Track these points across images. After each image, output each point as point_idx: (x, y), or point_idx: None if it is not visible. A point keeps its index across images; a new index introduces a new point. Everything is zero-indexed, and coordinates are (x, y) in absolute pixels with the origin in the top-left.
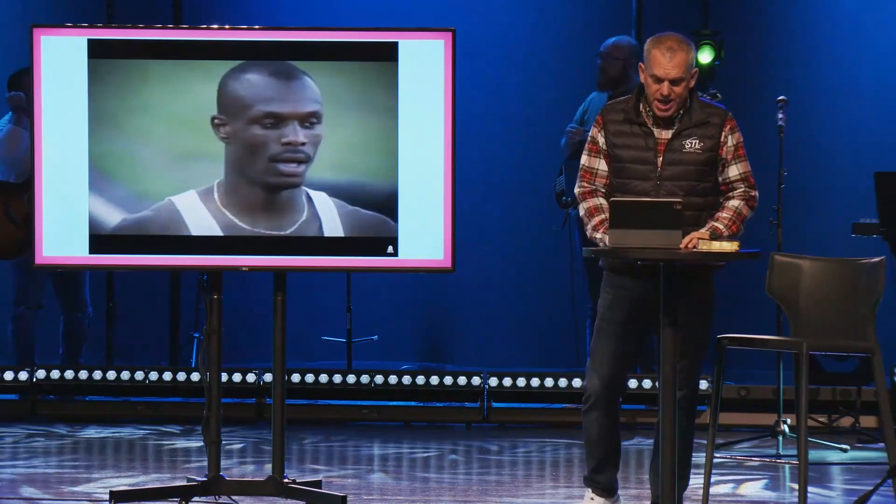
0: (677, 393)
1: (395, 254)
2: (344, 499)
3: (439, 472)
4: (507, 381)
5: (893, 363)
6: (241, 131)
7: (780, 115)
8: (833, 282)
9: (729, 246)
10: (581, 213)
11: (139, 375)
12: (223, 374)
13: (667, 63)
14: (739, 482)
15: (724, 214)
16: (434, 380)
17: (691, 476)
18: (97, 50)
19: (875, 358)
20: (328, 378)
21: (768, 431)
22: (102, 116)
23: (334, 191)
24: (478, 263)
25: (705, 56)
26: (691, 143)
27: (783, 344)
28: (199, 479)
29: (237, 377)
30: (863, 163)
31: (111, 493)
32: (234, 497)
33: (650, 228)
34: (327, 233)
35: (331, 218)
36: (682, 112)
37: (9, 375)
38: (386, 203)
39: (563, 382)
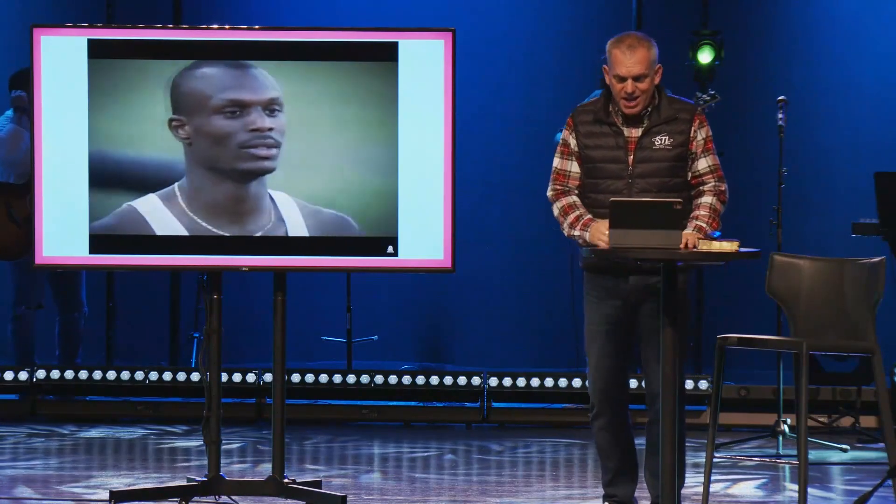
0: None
1: (395, 254)
2: (344, 499)
3: (439, 472)
4: (507, 381)
5: (893, 363)
6: (204, 125)
7: (780, 115)
8: (833, 282)
9: (729, 246)
10: (555, 213)
11: (139, 375)
12: (223, 374)
13: (627, 61)
14: (740, 482)
15: (703, 213)
16: (434, 380)
17: (691, 476)
18: (97, 50)
19: (875, 358)
20: (328, 378)
21: (768, 431)
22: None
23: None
24: (478, 263)
25: (705, 56)
26: (661, 140)
27: (783, 344)
28: (199, 479)
29: (237, 377)
30: (863, 163)
31: (111, 493)
32: (234, 497)
33: (650, 228)
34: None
35: (296, 220)
36: (650, 109)
37: (9, 375)
38: (386, 203)
39: (563, 382)
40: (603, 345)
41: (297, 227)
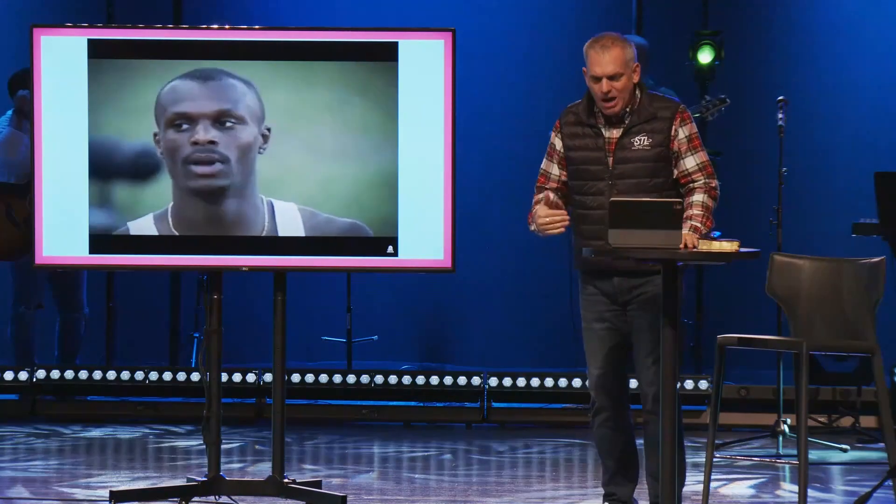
0: (650, 389)
1: (395, 254)
2: (344, 499)
3: (439, 472)
4: (507, 381)
5: (893, 363)
6: (164, 139)
7: (780, 115)
8: (833, 282)
9: (729, 246)
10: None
11: (139, 375)
12: (223, 374)
13: (601, 60)
14: (740, 482)
15: (696, 212)
16: (434, 380)
17: (691, 476)
18: (97, 50)
19: (875, 358)
20: (328, 378)
21: (768, 431)
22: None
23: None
24: (478, 263)
25: (705, 56)
26: (640, 140)
27: (783, 344)
28: (199, 479)
29: (237, 377)
30: (863, 163)
31: (111, 493)
32: (234, 497)
33: (650, 228)
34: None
35: (294, 229)
36: (629, 109)
37: (9, 375)
38: (386, 203)
39: (563, 382)
40: (597, 343)
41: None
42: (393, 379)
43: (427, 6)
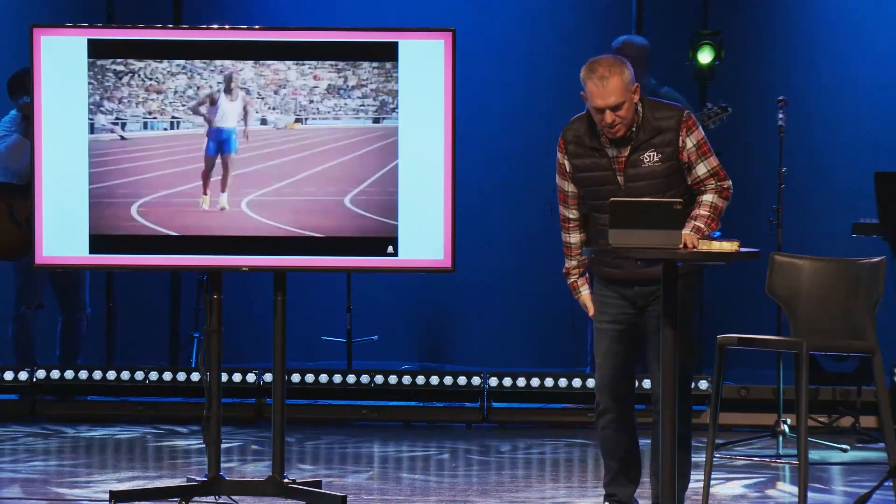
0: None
1: (395, 254)
2: (344, 499)
3: (439, 472)
4: (507, 381)
5: (893, 363)
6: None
7: (780, 115)
8: (833, 282)
9: (729, 246)
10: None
11: (139, 375)
12: (223, 374)
13: (602, 92)
14: (740, 482)
15: (702, 212)
16: (434, 380)
17: (691, 476)
18: (97, 50)
19: (875, 358)
20: (328, 378)
21: (768, 431)
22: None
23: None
24: (478, 263)
25: (705, 56)
26: (649, 157)
27: (783, 344)
28: (199, 479)
29: (237, 377)
30: (863, 163)
31: (111, 493)
32: (234, 497)
33: (650, 228)
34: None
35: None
36: (634, 127)
37: (9, 375)
38: (386, 203)
39: (563, 382)
40: (609, 344)
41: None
42: (393, 379)
43: (427, 6)
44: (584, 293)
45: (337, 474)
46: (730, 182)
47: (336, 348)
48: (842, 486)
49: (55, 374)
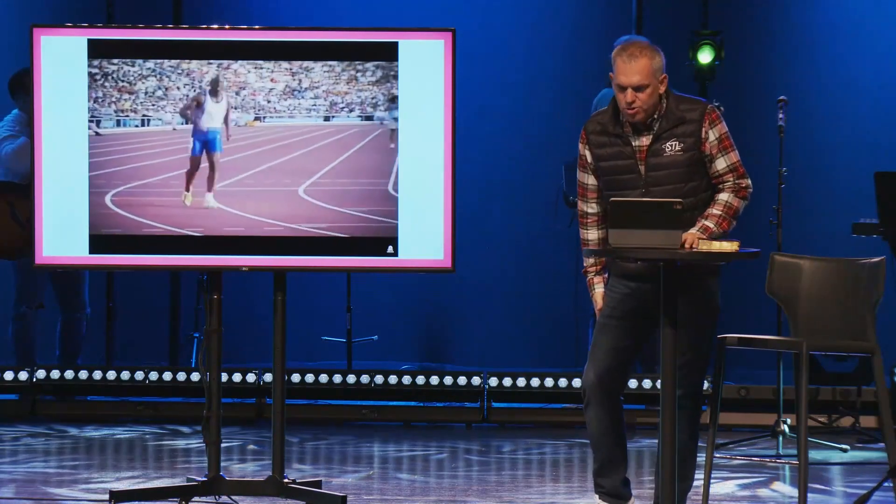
0: (677, 392)
1: (395, 254)
2: (344, 499)
3: (439, 472)
4: (507, 381)
5: (893, 363)
6: None
7: (780, 115)
8: (833, 282)
9: (729, 246)
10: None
11: (139, 375)
12: (223, 374)
13: (628, 70)
14: (739, 482)
15: (715, 211)
16: (434, 380)
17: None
18: (97, 50)
19: (875, 358)
20: (328, 378)
21: (768, 431)
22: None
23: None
24: (478, 263)
25: (705, 56)
26: (671, 146)
27: (783, 344)
28: (199, 479)
29: (237, 377)
30: (863, 163)
31: (111, 493)
32: (234, 497)
33: (650, 228)
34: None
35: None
36: (657, 116)
37: (9, 375)
38: (386, 203)
39: (563, 382)
40: (610, 337)
41: None
42: (393, 379)
43: (427, 6)
44: (598, 290)
45: (337, 474)
46: (749, 181)
47: (336, 348)
48: (842, 486)
49: (55, 374)
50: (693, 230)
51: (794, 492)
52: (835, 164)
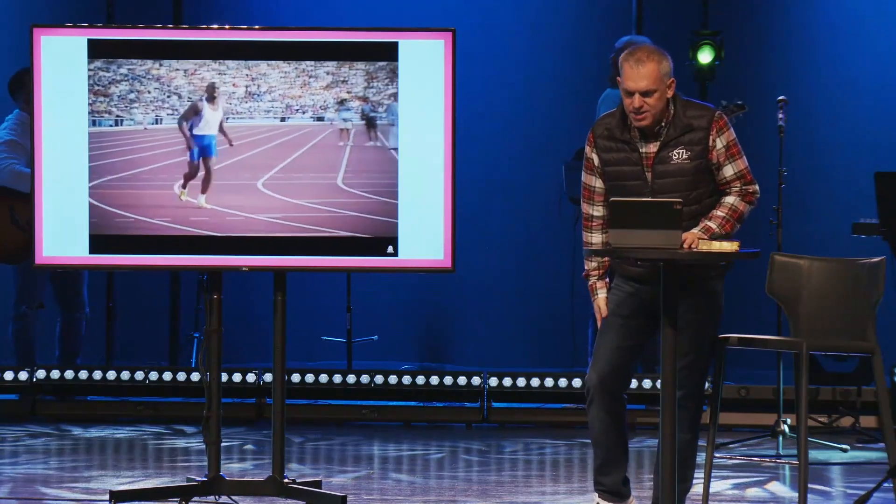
0: (677, 392)
1: (395, 254)
2: (344, 499)
3: (439, 472)
4: (507, 381)
5: (893, 363)
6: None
7: (780, 115)
8: (833, 282)
9: (729, 246)
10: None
11: (139, 375)
12: (223, 374)
13: (636, 75)
14: (739, 482)
15: (719, 213)
16: (434, 380)
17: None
18: (97, 50)
19: (875, 358)
20: (328, 378)
21: (768, 431)
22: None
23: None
24: (478, 263)
25: (705, 56)
26: (678, 154)
27: (783, 344)
28: (199, 479)
29: (237, 377)
30: (863, 163)
31: (111, 493)
32: (234, 497)
33: (650, 228)
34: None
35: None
36: (664, 123)
37: (9, 375)
38: (386, 203)
39: (563, 382)
40: (613, 337)
41: None
42: (393, 379)
43: (427, 6)
44: (601, 296)
45: (337, 474)
46: (757, 187)
47: (336, 348)
48: (842, 486)
49: (55, 374)
50: (695, 230)
51: (794, 492)
52: (835, 164)
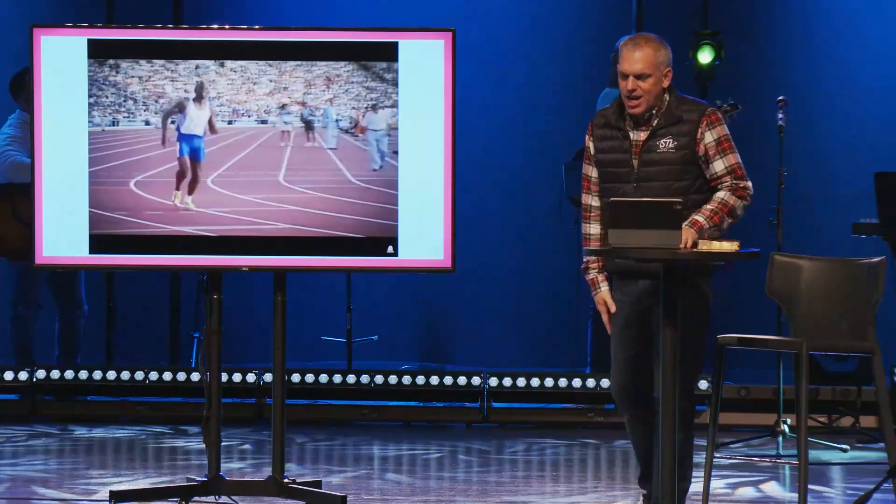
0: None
1: (395, 254)
2: (344, 499)
3: (439, 472)
4: (507, 381)
5: (893, 363)
6: None
7: (780, 115)
8: (833, 282)
9: (729, 246)
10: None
11: (139, 375)
12: (223, 374)
13: (631, 57)
14: (739, 482)
15: (708, 206)
16: (434, 380)
17: (692, 477)
18: (97, 50)
19: (875, 358)
20: (328, 378)
21: (768, 431)
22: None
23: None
24: (478, 263)
25: (705, 56)
26: (665, 143)
27: (783, 344)
28: (199, 479)
29: (237, 377)
30: (863, 163)
31: (111, 493)
32: (234, 497)
33: (650, 228)
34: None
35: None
36: (656, 112)
37: (9, 375)
38: (386, 203)
39: (563, 382)
40: (619, 344)
41: None
42: (393, 379)
43: (427, 6)
44: (604, 290)
45: (337, 474)
46: (749, 183)
47: (336, 348)
48: (842, 486)
49: (55, 373)
50: (684, 224)
51: (794, 492)
52: (835, 164)
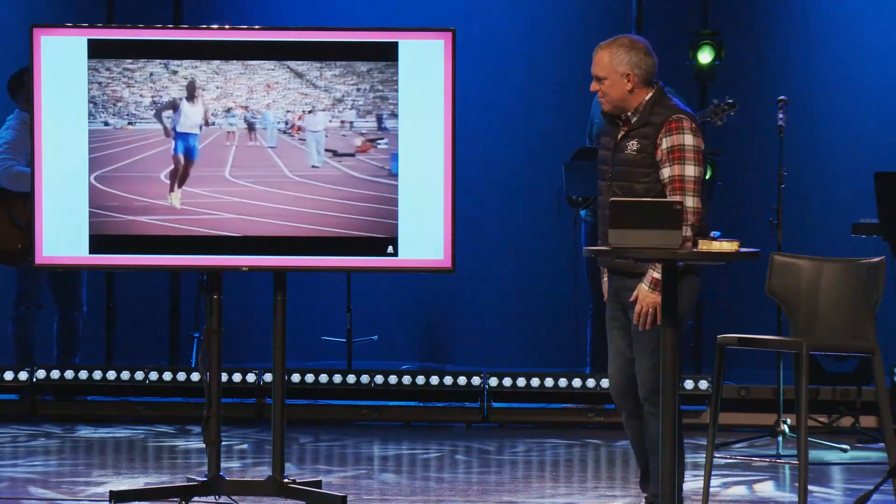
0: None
1: (395, 254)
2: (344, 499)
3: (439, 472)
4: (507, 381)
5: (893, 363)
6: None
7: (780, 115)
8: (833, 282)
9: (729, 246)
10: None
11: (139, 375)
12: (223, 374)
13: (593, 59)
14: (739, 482)
15: None
16: (434, 380)
17: (691, 475)
18: (97, 50)
19: (875, 358)
20: (328, 378)
21: (768, 431)
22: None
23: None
24: (478, 263)
25: (705, 56)
26: (631, 144)
27: (783, 344)
28: (199, 479)
29: (237, 377)
30: (863, 163)
31: (111, 493)
32: (234, 497)
33: (650, 228)
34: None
35: None
36: (633, 112)
37: (9, 375)
38: (386, 203)
39: (563, 382)
40: (611, 345)
41: None
42: (393, 379)
43: (427, 6)
44: (605, 280)
45: (337, 474)
46: (688, 198)
47: (336, 348)
48: (842, 486)
49: (55, 374)
50: (644, 286)
51: (794, 492)
52: (835, 164)
